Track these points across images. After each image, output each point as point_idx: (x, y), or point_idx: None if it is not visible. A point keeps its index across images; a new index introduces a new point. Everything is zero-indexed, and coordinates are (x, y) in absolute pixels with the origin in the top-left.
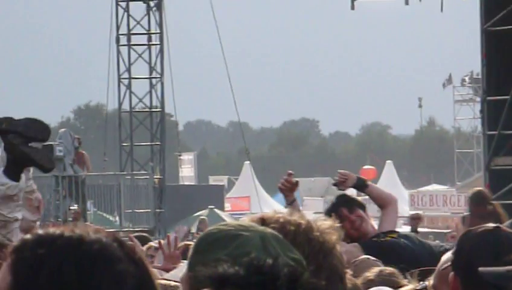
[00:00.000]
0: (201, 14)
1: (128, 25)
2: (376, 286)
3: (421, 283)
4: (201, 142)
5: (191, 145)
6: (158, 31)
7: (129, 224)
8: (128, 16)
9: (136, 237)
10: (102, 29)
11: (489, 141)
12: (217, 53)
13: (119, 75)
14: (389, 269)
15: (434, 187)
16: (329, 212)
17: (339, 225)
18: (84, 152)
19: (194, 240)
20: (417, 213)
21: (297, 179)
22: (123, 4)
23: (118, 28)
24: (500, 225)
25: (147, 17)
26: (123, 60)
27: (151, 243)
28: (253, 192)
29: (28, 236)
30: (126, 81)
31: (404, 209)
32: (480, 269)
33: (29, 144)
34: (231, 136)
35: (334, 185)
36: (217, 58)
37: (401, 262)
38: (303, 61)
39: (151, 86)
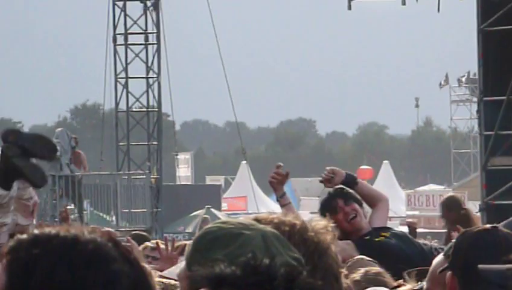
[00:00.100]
0: (198, 14)
1: (125, 24)
2: (362, 286)
3: (419, 283)
4: (198, 142)
5: (188, 145)
6: (155, 31)
7: (126, 224)
8: (125, 15)
9: (134, 235)
10: (99, 28)
11: (486, 141)
12: (214, 53)
13: (116, 74)
14: (375, 269)
15: (431, 187)
16: (324, 203)
17: (332, 220)
18: (80, 152)
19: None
20: (410, 221)
21: (294, 179)
22: (120, 4)
23: (114, 27)
24: (498, 225)
25: (144, 17)
26: (120, 59)
27: (147, 243)
28: (250, 192)
29: (24, 236)
30: (123, 81)
31: (401, 209)
32: (480, 266)
33: (31, 159)
34: (228, 136)
35: (321, 182)
36: (214, 57)
37: (395, 262)
38: (300, 61)
39: (148, 85)
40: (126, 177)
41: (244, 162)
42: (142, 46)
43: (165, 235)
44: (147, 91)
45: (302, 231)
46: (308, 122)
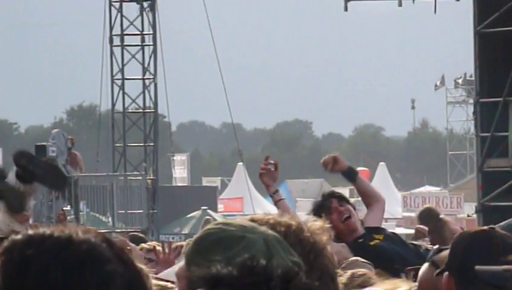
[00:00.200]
0: (194, 15)
1: (121, 25)
2: (348, 289)
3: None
4: (195, 143)
5: (184, 146)
6: (151, 32)
7: (122, 225)
8: (122, 16)
9: (131, 237)
10: (95, 29)
11: (482, 142)
12: (210, 54)
13: (112, 75)
14: (362, 271)
15: (427, 189)
16: (318, 203)
17: (327, 221)
18: (77, 153)
19: (187, 240)
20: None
21: (290, 180)
22: (116, 5)
23: (111, 28)
24: (494, 227)
25: (140, 18)
26: (116, 60)
27: (143, 245)
28: (246, 193)
29: (18, 237)
30: (119, 82)
31: (397, 211)
32: (477, 267)
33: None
34: (224, 137)
35: (323, 163)
36: (211, 59)
37: (391, 265)
38: (296, 62)
39: (144, 86)
40: (122, 178)
41: (241, 163)
42: (139, 47)
43: (161, 238)
44: (143, 92)
45: (298, 231)
46: (305, 123)
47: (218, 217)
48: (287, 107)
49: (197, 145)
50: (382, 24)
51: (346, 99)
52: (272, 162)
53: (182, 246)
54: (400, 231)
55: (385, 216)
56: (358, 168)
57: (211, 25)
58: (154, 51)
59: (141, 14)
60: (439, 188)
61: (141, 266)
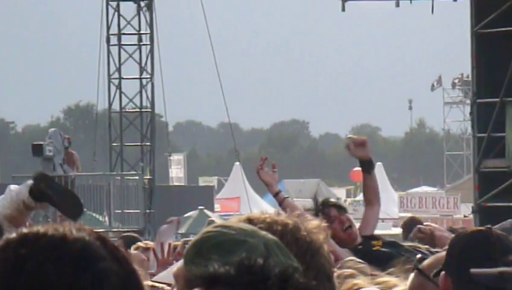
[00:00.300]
0: (192, 15)
1: (118, 24)
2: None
3: None
4: (191, 143)
5: (181, 145)
6: (148, 31)
7: (119, 224)
8: (119, 15)
9: (125, 237)
10: (92, 29)
11: (479, 143)
12: (207, 54)
13: (109, 75)
14: (348, 271)
15: (423, 189)
16: (317, 211)
17: (326, 224)
18: (74, 152)
19: (182, 240)
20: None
21: (287, 180)
22: (113, 4)
23: (108, 27)
24: (491, 227)
25: (137, 17)
26: (113, 59)
27: (139, 244)
28: (243, 193)
29: (13, 236)
30: (116, 81)
31: (394, 211)
32: (472, 270)
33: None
34: (221, 137)
35: (351, 141)
36: (208, 59)
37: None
38: (293, 62)
39: (142, 86)
40: (119, 177)
41: (238, 163)
42: (136, 46)
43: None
44: (140, 92)
45: (294, 230)
46: (301, 123)
47: (215, 217)
48: (283, 107)
49: (193, 145)
50: (379, 24)
51: (343, 99)
52: (263, 163)
53: (177, 246)
54: (396, 231)
55: (382, 216)
56: (355, 169)
57: (208, 25)
58: (151, 51)
59: (138, 14)
60: (435, 189)
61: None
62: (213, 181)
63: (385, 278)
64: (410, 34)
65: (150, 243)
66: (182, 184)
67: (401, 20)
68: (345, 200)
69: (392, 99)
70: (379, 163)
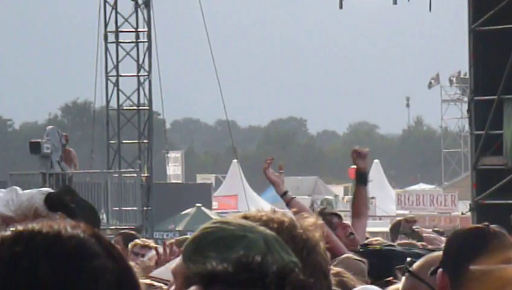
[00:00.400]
0: (189, 12)
1: (116, 22)
2: None
3: None
4: (189, 141)
5: (179, 143)
6: (146, 29)
7: (116, 222)
8: (116, 13)
9: (123, 233)
10: (90, 26)
11: (476, 140)
12: (205, 51)
13: (106, 72)
14: (336, 269)
15: (421, 187)
16: (320, 214)
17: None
18: (71, 149)
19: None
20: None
21: (284, 177)
22: (111, 1)
23: (106, 25)
24: (488, 224)
25: (134, 15)
26: (111, 57)
27: (137, 241)
28: (240, 190)
29: (7, 233)
30: (114, 79)
31: (391, 209)
32: (472, 267)
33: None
34: (219, 135)
35: (356, 150)
36: (205, 56)
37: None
38: (291, 60)
39: (139, 83)
40: (117, 175)
41: (235, 160)
42: (133, 44)
43: (156, 235)
44: (138, 89)
45: (290, 228)
46: (299, 121)
47: (213, 215)
48: (281, 104)
49: (191, 143)
50: (377, 22)
51: (340, 96)
52: (269, 164)
53: (172, 244)
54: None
55: (379, 214)
56: (353, 166)
57: (205, 22)
58: (149, 48)
59: (136, 11)
60: (433, 186)
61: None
62: (211, 179)
63: None
64: (408, 31)
65: (147, 241)
66: (180, 181)
67: (398, 17)
68: (343, 198)
69: (390, 96)
70: (376, 160)
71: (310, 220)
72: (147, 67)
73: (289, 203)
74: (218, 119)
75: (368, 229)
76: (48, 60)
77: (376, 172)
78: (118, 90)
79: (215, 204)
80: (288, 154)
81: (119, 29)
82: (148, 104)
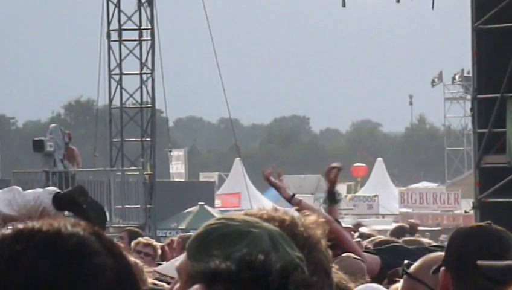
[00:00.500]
0: (192, 10)
1: (119, 20)
2: None
3: None
4: (192, 139)
5: (182, 141)
6: (149, 27)
7: (119, 220)
8: (119, 11)
9: (129, 231)
10: (93, 24)
11: (479, 138)
12: (208, 49)
13: (109, 70)
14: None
15: (424, 185)
16: None
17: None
18: (74, 148)
19: (178, 235)
20: (412, 222)
21: (287, 176)
22: None
23: (109, 23)
24: (491, 222)
25: (138, 13)
26: (114, 55)
27: (140, 239)
28: (243, 189)
29: (8, 232)
30: (117, 77)
31: (394, 207)
32: (479, 262)
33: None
34: (222, 133)
35: (332, 169)
36: (209, 54)
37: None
38: (294, 58)
39: (142, 81)
40: (119, 173)
41: (238, 159)
42: (136, 42)
43: (158, 233)
44: (141, 87)
45: (291, 226)
46: (302, 119)
47: (216, 213)
48: (284, 102)
49: (194, 141)
50: (380, 20)
51: (343, 95)
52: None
53: (173, 242)
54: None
55: (382, 212)
56: (356, 164)
57: (209, 20)
58: (152, 46)
59: (139, 9)
60: (436, 184)
61: (136, 260)
62: (214, 177)
63: None
64: (411, 29)
65: (150, 240)
66: (183, 180)
67: (401, 15)
68: (346, 196)
69: (393, 95)
70: (379, 159)
71: (312, 218)
72: (150, 66)
73: (299, 204)
74: (221, 118)
75: (371, 227)
76: (51, 58)
77: (379, 170)
78: (121, 88)
79: (218, 202)
80: (291, 152)
81: (122, 28)
82: (151, 102)
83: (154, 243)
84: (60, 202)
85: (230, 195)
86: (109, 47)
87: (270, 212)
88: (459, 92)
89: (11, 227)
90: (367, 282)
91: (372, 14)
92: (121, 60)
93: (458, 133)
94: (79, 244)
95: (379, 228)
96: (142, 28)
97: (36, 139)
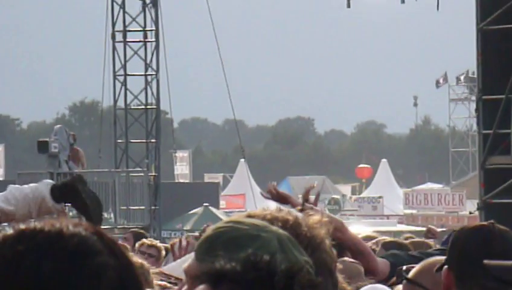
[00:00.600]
0: (197, 12)
1: (124, 21)
2: None
3: None
4: (197, 140)
5: (186, 142)
6: (154, 28)
7: (124, 221)
8: (124, 12)
9: (134, 232)
10: (98, 25)
11: (484, 140)
12: (212, 50)
13: (114, 71)
14: None
15: (429, 186)
16: None
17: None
18: (79, 149)
19: (184, 236)
20: (431, 228)
21: (292, 177)
22: (119, 1)
23: (113, 24)
24: (494, 221)
25: (142, 14)
26: (119, 56)
27: (144, 240)
28: (248, 190)
29: (10, 232)
30: (121, 78)
31: (399, 208)
32: (486, 262)
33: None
34: (226, 134)
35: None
36: (213, 55)
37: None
38: (298, 59)
39: (147, 82)
40: (124, 174)
41: (243, 160)
42: (141, 43)
43: (163, 234)
44: (146, 88)
45: (295, 226)
46: (307, 120)
47: (220, 214)
48: (289, 104)
49: (199, 142)
50: (384, 21)
51: (348, 96)
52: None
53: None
54: (401, 227)
55: (387, 213)
56: (360, 165)
57: (213, 22)
58: (157, 47)
59: (144, 10)
60: (441, 185)
61: (142, 262)
62: (218, 178)
63: None
64: (415, 30)
65: (155, 241)
66: (187, 181)
67: (406, 16)
68: (350, 197)
69: (397, 96)
70: (384, 160)
71: (315, 217)
72: (154, 67)
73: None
74: (226, 119)
75: (376, 228)
76: (55, 59)
77: (383, 171)
78: (126, 89)
79: (222, 203)
80: (295, 153)
81: (127, 29)
82: (155, 103)
83: (158, 244)
84: (59, 193)
85: (235, 196)
86: (114, 48)
87: (273, 212)
88: (464, 93)
89: (12, 227)
90: (365, 285)
91: (377, 15)
92: (125, 61)
93: (463, 134)
94: (81, 244)
95: (383, 229)
96: (146, 29)
97: (41, 140)
